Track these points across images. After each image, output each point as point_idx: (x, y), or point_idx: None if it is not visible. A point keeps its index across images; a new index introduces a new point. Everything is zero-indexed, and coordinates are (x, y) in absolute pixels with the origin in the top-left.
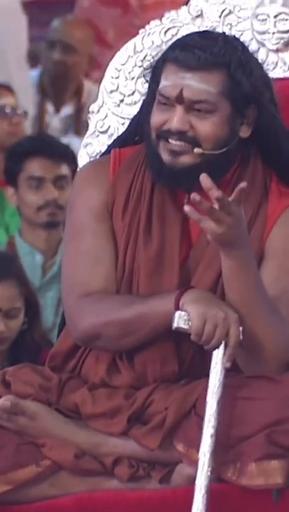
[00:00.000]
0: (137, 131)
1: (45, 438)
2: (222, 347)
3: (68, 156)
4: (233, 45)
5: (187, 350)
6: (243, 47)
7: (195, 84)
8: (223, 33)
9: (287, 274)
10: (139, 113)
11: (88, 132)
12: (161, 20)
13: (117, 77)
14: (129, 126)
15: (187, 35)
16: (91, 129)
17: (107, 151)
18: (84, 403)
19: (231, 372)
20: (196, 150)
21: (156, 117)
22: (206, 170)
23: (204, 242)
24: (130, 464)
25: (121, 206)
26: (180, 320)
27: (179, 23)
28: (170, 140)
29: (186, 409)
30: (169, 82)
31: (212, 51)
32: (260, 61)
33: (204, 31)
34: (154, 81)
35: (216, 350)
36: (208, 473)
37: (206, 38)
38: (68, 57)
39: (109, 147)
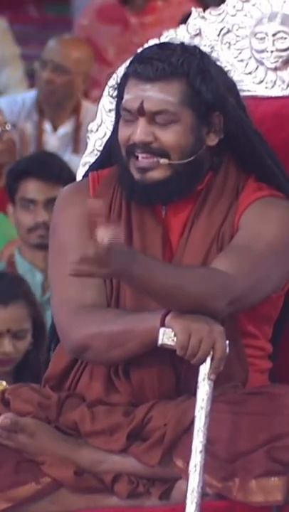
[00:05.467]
0: (112, 153)
1: (45, 455)
2: (208, 361)
3: (63, 178)
4: (191, 53)
5: (183, 364)
6: (203, 54)
7: (154, 95)
8: (182, 42)
9: (254, 237)
10: (111, 135)
11: (87, 151)
12: (159, 39)
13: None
14: (103, 149)
15: (147, 48)
16: (90, 147)
17: (85, 176)
18: (83, 421)
19: (230, 389)
20: (162, 161)
21: (122, 133)
22: (176, 181)
23: (182, 250)
24: (130, 481)
25: None
26: (165, 337)
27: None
28: (136, 153)
29: (185, 425)
30: (130, 96)
31: (170, 61)
32: (259, 80)
33: (163, 42)
34: (119, 97)
35: (203, 364)
36: (199, 489)
37: (164, 49)
38: (57, 77)
39: (87, 172)
